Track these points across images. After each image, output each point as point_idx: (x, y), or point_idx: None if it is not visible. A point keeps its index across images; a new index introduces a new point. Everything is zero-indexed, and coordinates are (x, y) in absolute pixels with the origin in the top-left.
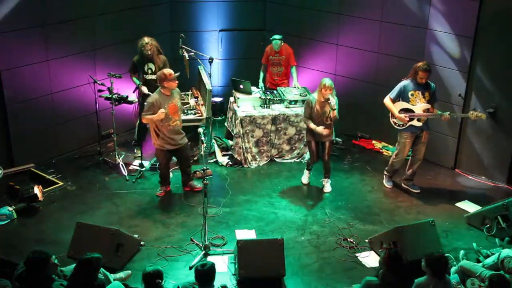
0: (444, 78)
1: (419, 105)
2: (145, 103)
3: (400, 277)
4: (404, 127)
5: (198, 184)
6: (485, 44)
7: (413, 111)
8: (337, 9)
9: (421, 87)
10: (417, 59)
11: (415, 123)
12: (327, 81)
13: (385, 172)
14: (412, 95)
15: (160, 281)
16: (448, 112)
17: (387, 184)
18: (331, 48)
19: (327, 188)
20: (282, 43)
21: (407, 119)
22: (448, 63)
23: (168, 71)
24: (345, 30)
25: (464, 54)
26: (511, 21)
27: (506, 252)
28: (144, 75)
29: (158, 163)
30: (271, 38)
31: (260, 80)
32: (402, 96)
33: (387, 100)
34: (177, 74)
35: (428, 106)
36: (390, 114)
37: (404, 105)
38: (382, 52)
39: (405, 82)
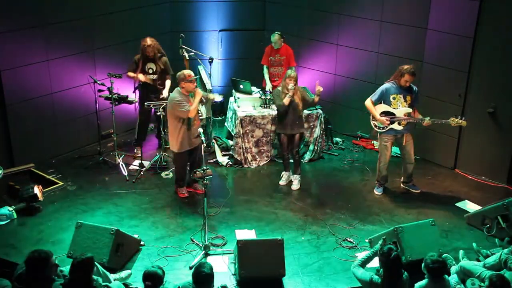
0: (444, 78)
1: (401, 109)
2: (176, 103)
3: (395, 274)
4: (384, 130)
5: (201, 187)
6: (485, 44)
7: (394, 114)
8: (337, 9)
9: (404, 91)
10: (417, 59)
11: (395, 126)
12: (292, 72)
13: (376, 182)
14: (394, 98)
15: (150, 283)
16: (429, 118)
17: (376, 191)
18: (331, 48)
19: (296, 185)
20: (282, 42)
21: (388, 122)
22: (448, 63)
23: (187, 72)
24: (345, 30)
25: (464, 54)
26: (511, 21)
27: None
28: (144, 75)
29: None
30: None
31: (268, 81)
32: (383, 99)
33: (368, 102)
34: (196, 76)
35: (410, 110)
36: (371, 116)
37: (386, 108)
38: (382, 52)
39: (387, 85)
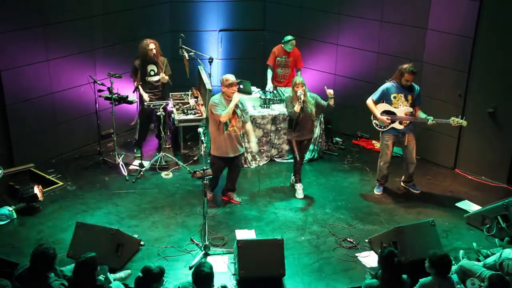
0: (444, 78)
1: (401, 108)
2: (212, 104)
3: (396, 275)
4: (385, 129)
5: (237, 198)
6: (485, 44)
7: (395, 114)
8: (337, 9)
9: (405, 90)
10: (417, 59)
11: (396, 125)
12: (298, 79)
13: (376, 181)
14: (394, 97)
15: (141, 276)
16: (432, 118)
17: (376, 191)
18: (331, 48)
19: (301, 193)
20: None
21: (389, 121)
22: (448, 63)
23: (225, 76)
24: (345, 30)
25: (464, 54)
26: (511, 21)
27: (507, 252)
28: (146, 77)
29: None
30: (284, 40)
31: (269, 81)
32: (384, 98)
33: (369, 102)
34: (234, 81)
35: (411, 109)
36: (372, 116)
37: (387, 107)
38: (382, 52)
39: (387, 85)
